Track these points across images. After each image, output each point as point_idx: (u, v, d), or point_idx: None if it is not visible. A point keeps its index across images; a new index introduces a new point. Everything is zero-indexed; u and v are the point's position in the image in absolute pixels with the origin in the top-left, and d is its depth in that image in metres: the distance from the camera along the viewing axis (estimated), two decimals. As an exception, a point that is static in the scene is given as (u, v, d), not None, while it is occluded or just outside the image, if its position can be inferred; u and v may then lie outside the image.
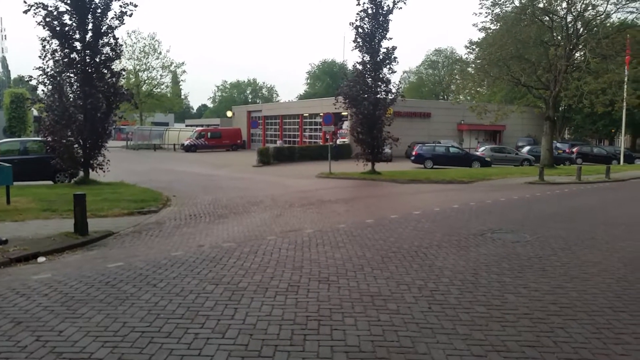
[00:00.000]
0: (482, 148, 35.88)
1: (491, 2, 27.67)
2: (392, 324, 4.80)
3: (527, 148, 37.86)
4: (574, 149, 38.35)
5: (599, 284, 6.25)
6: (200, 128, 55.92)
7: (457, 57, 48.40)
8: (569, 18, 27.52)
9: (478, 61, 30.52)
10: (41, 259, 7.46)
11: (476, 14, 29.26)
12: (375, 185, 20.26)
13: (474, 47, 31.09)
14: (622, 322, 4.97)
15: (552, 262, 7.34)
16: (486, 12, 28.05)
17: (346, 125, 27.65)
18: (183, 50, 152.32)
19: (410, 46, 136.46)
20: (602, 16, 27.37)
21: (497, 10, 27.84)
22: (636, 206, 14.63)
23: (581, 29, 28.02)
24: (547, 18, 27.74)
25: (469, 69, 32.59)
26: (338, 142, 39.30)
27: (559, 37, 28.67)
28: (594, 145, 45.72)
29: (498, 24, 28.34)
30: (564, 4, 27.08)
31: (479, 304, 5.42)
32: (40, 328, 4.58)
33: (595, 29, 27.47)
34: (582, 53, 28.08)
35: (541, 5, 27.73)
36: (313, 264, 6.98)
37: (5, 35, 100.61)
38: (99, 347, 4.17)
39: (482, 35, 30.29)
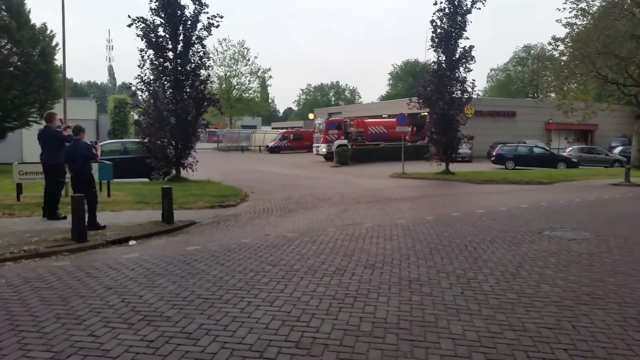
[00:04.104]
0: (570, 148, 34.33)
1: (576, -4, 26.56)
2: (422, 304, 5.31)
3: (619, 149, 35.66)
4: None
5: (644, 280, 6.31)
6: (284, 130, 57.95)
7: (541, 54, 46.20)
8: (665, 9, 25.74)
9: (563, 58, 29.30)
10: (132, 242, 8.69)
11: (560, 10, 28.14)
12: (446, 186, 20.34)
13: (557, 43, 29.89)
14: (654, 315, 5.08)
15: (602, 258, 7.40)
16: (570, 8, 26.97)
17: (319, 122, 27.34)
18: (271, 54, 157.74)
19: (499, 43, 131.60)
20: None
21: (583, 4, 26.65)
22: None
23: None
24: (640, 10, 26.13)
25: (560, 66, 31.27)
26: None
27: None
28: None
29: (584, 19, 27.08)
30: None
31: (511, 292, 5.75)
32: (125, 293, 5.60)
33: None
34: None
35: (634, -4, 26.16)
36: (363, 252, 7.58)
37: (112, 46, 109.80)
38: (169, 308, 5.08)
39: (566, 30, 29.09)
